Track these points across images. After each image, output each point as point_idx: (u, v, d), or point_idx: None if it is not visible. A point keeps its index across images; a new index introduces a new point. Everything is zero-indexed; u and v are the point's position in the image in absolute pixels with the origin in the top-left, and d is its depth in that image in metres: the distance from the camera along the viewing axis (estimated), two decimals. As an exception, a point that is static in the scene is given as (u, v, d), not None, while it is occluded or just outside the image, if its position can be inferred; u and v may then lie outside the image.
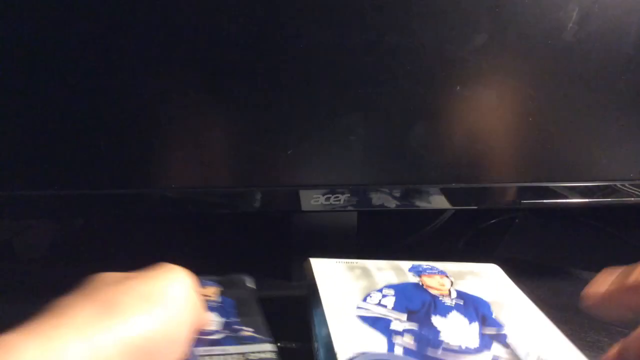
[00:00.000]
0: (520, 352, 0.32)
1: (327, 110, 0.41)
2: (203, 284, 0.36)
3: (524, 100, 0.42)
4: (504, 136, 0.43)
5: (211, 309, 0.34)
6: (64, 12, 0.36)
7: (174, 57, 0.38)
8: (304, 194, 0.43)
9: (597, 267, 0.55)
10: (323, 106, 0.41)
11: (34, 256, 0.57)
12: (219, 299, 0.35)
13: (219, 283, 0.36)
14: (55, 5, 0.36)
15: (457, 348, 0.32)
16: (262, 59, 0.39)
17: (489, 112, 0.42)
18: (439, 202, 0.45)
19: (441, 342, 0.32)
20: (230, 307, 0.34)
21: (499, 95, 0.41)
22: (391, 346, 0.31)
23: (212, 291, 0.35)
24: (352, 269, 0.41)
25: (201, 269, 0.53)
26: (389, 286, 0.38)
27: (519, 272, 0.46)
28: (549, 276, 0.53)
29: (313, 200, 0.44)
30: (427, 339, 0.32)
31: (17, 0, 0.36)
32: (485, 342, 0.33)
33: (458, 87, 0.41)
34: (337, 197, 0.44)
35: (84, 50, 0.37)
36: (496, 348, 0.32)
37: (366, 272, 0.40)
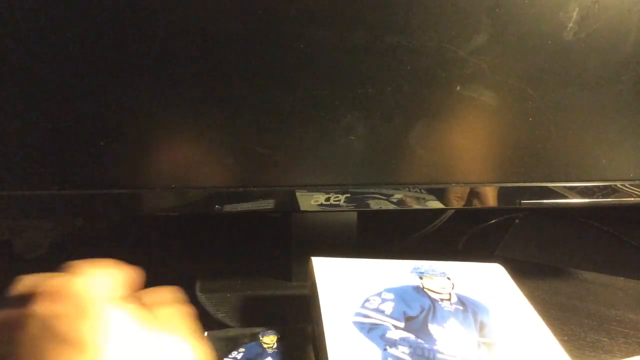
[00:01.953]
0: None
1: (327, 110, 0.41)
2: (262, 335, 0.40)
3: (524, 100, 0.42)
4: (504, 136, 0.43)
5: (268, 355, 0.38)
6: (60, 11, 0.36)
7: (172, 57, 0.38)
8: (303, 194, 0.43)
9: (597, 267, 0.55)
10: (323, 106, 0.41)
11: (34, 256, 0.57)
12: (275, 346, 0.38)
13: (277, 332, 0.40)
14: (50, 4, 0.36)
15: (452, 359, 0.32)
16: (262, 59, 0.39)
17: (488, 112, 0.42)
18: (438, 202, 0.45)
19: (436, 352, 0.33)
20: (286, 353, 0.38)
21: (498, 95, 0.41)
22: (385, 357, 0.32)
23: (270, 339, 0.39)
24: (354, 269, 0.41)
25: (202, 269, 0.53)
26: (389, 289, 0.38)
27: (519, 272, 0.46)
28: (549, 276, 0.53)
29: (313, 200, 0.44)
30: (422, 349, 0.33)
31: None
32: (481, 353, 0.33)
33: (458, 87, 0.41)
34: (337, 197, 0.44)
35: (82, 49, 0.37)
36: None
37: (368, 273, 0.40)
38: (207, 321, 0.46)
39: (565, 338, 0.43)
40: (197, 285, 0.50)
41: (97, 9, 0.36)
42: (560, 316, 0.46)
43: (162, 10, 0.37)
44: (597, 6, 0.39)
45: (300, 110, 0.41)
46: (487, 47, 0.40)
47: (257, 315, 0.46)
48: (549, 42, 0.40)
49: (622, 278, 0.53)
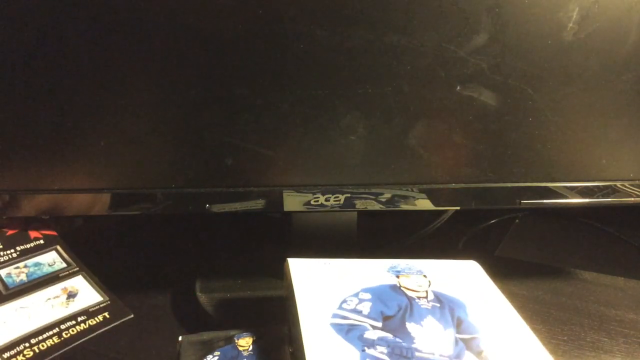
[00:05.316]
0: (492, 358, 0.33)
1: (327, 110, 0.41)
2: (238, 337, 0.39)
3: (524, 100, 0.42)
4: (504, 136, 0.43)
5: (243, 357, 0.37)
6: (60, 10, 0.36)
7: (172, 57, 0.38)
8: (303, 194, 0.43)
9: (597, 267, 0.55)
10: (323, 106, 0.41)
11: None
12: (251, 349, 0.38)
13: (254, 333, 0.40)
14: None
15: (430, 357, 0.32)
16: (262, 59, 0.39)
17: (488, 112, 0.42)
18: (438, 202, 0.45)
19: (414, 350, 0.33)
20: (261, 355, 0.38)
21: (498, 95, 0.41)
22: (364, 358, 0.32)
23: (246, 341, 0.39)
24: (330, 270, 0.41)
25: (202, 269, 0.53)
26: (366, 289, 0.38)
27: (519, 272, 0.46)
28: (549, 276, 0.53)
29: (313, 200, 0.44)
30: (400, 348, 0.33)
31: None
32: (459, 349, 0.33)
33: (458, 87, 0.41)
34: (337, 197, 0.44)
35: (82, 48, 0.37)
36: (469, 356, 0.33)
37: (344, 274, 0.40)
38: (207, 321, 0.46)
39: (565, 338, 0.43)
40: (197, 285, 0.50)
41: (97, 8, 0.36)
42: (560, 316, 0.46)
43: (162, 9, 0.37)
44: (597, 6, 0.39)
45: (300, 110, 0.41)
46: (487, 47, 0.40)
47: (257, 315, 0.46)
48: (549, 42, 0.40)
49: (622, 278, 0.53)
